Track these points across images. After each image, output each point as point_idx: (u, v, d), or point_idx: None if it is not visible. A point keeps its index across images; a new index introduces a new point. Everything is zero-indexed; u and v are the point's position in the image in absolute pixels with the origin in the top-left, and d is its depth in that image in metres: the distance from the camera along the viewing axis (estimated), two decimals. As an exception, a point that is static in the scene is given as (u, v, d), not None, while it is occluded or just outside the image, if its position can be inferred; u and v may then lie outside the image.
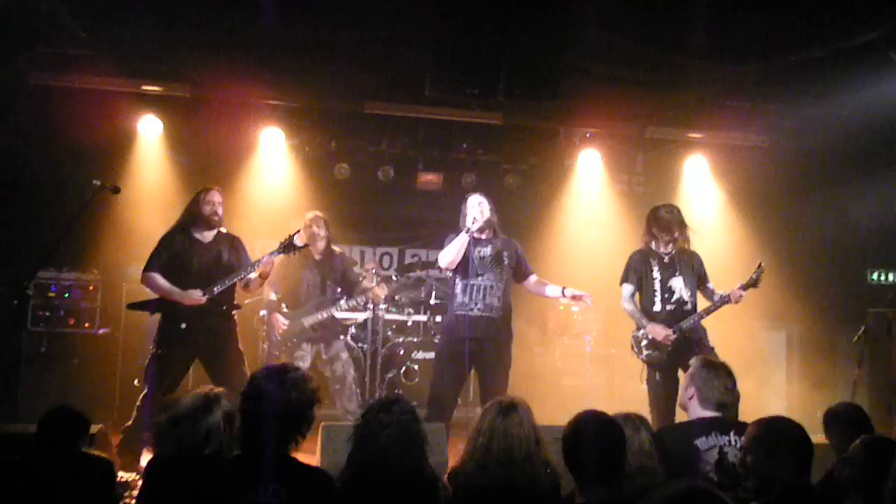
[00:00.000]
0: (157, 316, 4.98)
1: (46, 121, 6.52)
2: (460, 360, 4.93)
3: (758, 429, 2.75)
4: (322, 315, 5.70)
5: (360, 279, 6.15)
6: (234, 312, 5.09)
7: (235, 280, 4.98)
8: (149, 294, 5.01)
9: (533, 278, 5.20)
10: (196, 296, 4.85)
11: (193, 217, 5.04)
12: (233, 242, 5.18)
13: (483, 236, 4.97)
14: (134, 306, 5.08)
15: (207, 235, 5.07)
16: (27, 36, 5.72)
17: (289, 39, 5.64)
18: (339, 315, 5.88)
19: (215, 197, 5.06)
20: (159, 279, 4.89)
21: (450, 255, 4.87)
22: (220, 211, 5.06)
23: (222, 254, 5.07)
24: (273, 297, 5.82)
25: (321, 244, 5.76)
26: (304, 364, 5.60)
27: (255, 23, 5.28)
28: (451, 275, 5.06)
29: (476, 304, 4.88)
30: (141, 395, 4.86)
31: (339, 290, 5.93)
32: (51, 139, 6.61)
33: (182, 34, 5.64)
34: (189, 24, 5.49)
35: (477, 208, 4.93)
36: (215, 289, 4.89)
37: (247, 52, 5.87)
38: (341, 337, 6.00)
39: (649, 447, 2.97)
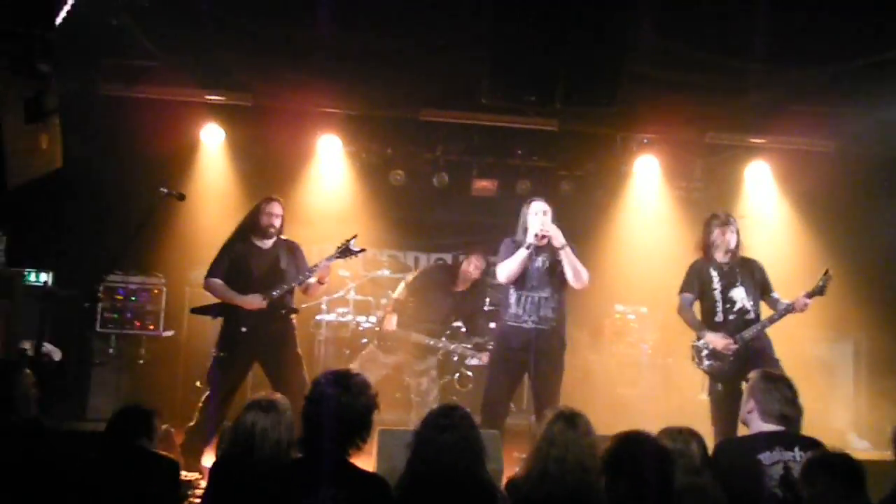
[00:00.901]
0: (219, 320, 5.12)
1: (115, 130, 6.76)
2: (513, 368, 4.95)
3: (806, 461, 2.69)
4: (429, 342, 5.77)
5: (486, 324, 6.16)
6: (292, 316, 5.19)
7: (294, 285, 5.10)
8: (211, 299, 5.15)
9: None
10: (256, 300, 4.97)
11: (253, 225, 5.17)
12: (291, 248, 5.29)
13: (542, 244, 4.80)
14: (197, 311, 5.24)
15: (267, 242, 5.20)
16: (98, 48, 5.94)
17: (345, 47, 5.73)
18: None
19: (275, 209, 5.16)
20: (220, 285, 5.05)
21: (509, 269, 4.79)
22: (276, 223, 5.16)
23: (280, 260, 5.18)
24: (392, 325, 5.82)
25: (473, 277, 5.78)
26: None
27: (312, 31, 5.38)
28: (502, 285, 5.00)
29: (530, 316, 4.84)
30: (203, 397, 5.00)
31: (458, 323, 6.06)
32: (119, 148, 6.86)
33: (243, 45, 5.78)
34: (250, 35, 5.63)
35: (539, 218, 4.77)
36: (274, 293, 5.00)
37: (305, 61, 5.99)
38: (435, 357, 6.05)
39: (700, 463, 2.91)
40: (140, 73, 6.42)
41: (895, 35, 5.08)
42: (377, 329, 6.04)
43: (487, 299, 6.62)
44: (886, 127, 6.41)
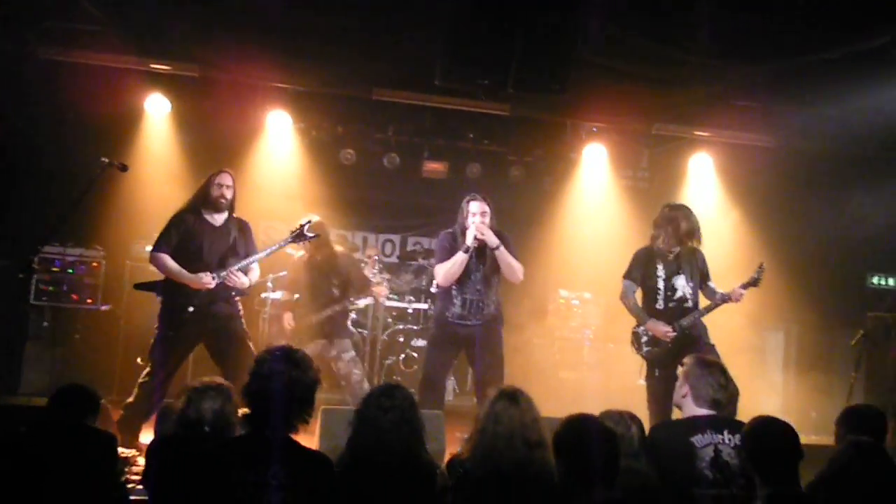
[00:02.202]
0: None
1: (55, 96, 6.51)
2: (452, 350, 5.09)
3: (748, 429, 2.80)
4: (325, 313, 5.80)
5: (365, 279, 6.24)
6: (238, 298, 5.09)
7: (245, 265, 4.98)
8: (154, 274, 5.00)
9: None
10: (206, 280, 4.83)
11: (204, 198, 5.01)
12: (242, 226, 5.15)
13: (480, 246, 4.88)
14: (141, 286, 5.05)
15: (218, 218, 5.04)
16: (37, 10, 5.71)
17: (298, 22, 5.63)
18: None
19: (225, 180, 5.02)
20: (169, 261, 4.86)
21: (449, 272, 4.87)
22: (227, 195, 5.02)
23: (231, 237, 5.04)
24: (295, 297, 6.01)
25: (326, 249, 5.85)
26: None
27: (265, 6, 5.27)
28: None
29: (475, 315, 4.96)
30: (143, 373, 4.88)
31: (340, 288, 6.01)
32: (59, 115, 6.61)
33: (192, 13, 5.63)
34: (198, 3, 5.48)
35: (478, 220, 4.84)
36: (223, 273, 4.89)
37: (256, 34, 5.87)
38: (346, 337, 6.06)
39: (638, 447, 3.01)
40: (81, 38, 6.18)
41: (834, 35, 5.24)
42: (283, 336, 6.07)
43: (368, 265, 6.68)
44: (825, 123, 6.63)
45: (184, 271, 4.83)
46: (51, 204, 5.90)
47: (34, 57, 6.30)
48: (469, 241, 4.81)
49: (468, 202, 4.95)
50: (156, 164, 6.94)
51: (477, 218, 4.86)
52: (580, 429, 2.67)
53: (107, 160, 4.81)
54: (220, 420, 2.92)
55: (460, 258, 4.83)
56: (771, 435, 2.76)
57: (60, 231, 5.82)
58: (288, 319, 5.94)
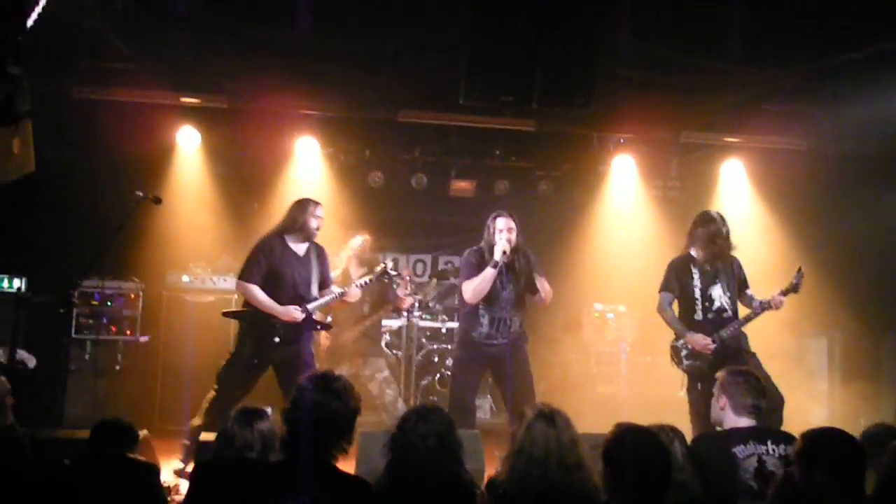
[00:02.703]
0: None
1: (90, 134, 6.68)
2: (479, 369, 5.12)
3: (801, 441, 2.70)
4: (360, 329, 5.89)
5: (395, 287, 6.29)
6: (319, 330, 5.26)
7: (330, 300, 5.03)
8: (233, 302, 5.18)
9: (539, 293, 5.07)
10: (296, 315, 4.85)
11: (295, 226, 4.98)
12: (321, 253, 5.15)
13: (509, 262, 4.89)
14: (229, 315, 5.17)
15: (301, 247, 5.03)
16: (71, 51, 5.87)
17: (322, 49, 5.70)
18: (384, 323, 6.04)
19: (321, 212, 5.07)
20: (259, 292, 4.85)
21: (478, 288, 4.84)
22: (322, 226, 5.09)
23: (314, 266, 5.04)
24: (325, 318, 6.03)
25: (364, 268, 5.96)
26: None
27: (289, 33, 5.35)
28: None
29: (502, 334, 4.97)
30: (209, 397, 4.86)
31: (371, 307, 6.15)
32: (94, 152, 6.78)
33: (219, 46, 5.74)
34: (226, 37, 5.59)
35: (505, 235, 4.84)
36: (311, 307, 4.92)
37: (282, 63, 5.95)
38: (380, 356, 6.09)
39: (682, 460, 2.96)
40: (113, 76, 6.34)
41: (859, 35, 5.16)
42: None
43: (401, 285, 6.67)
44: (857, 124, 6.50)
45: (275, 304, 4.83)
46: (88, 238, 6.02)
47: (69, 96, 6.48)
48: (497, 255, 4.79)
49: (494, 219, 4.95)
50: (188, 195, 7.06)
51: (504, 234, 4.85)
52: (631, 440, 2.61)
53: (141, 193, 4.90)
54: (266, 445, 2.94)
55: (489, 274, 4.81)
56: (834, 446, 2.66)
57: (98, 265, 5.92)
58: (325, 338, 5.95)
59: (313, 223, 4.98)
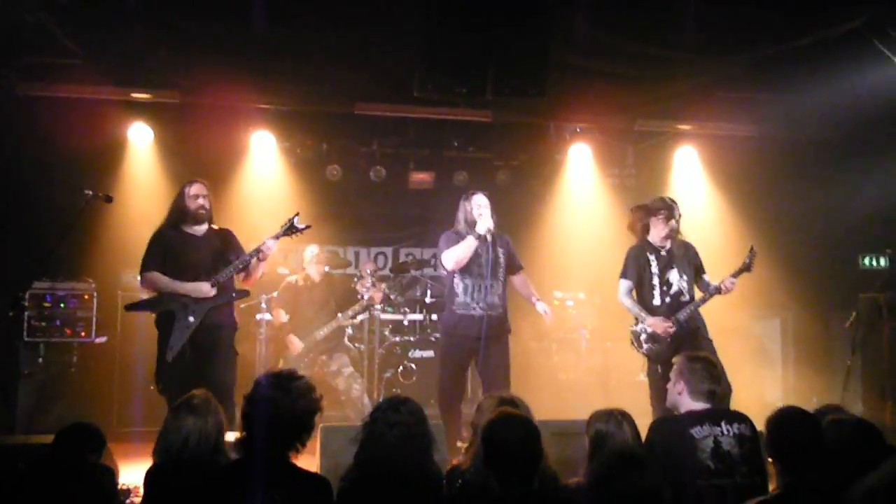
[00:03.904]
0: (152, 318, 4.83)
1: (37, 131, 6.48)
2: (464, 355, 5.07)
3: (772, 418, 2.80)
4: (326, 330, 5.96)
5: (357, 292, 6.40)
6: (234, 315, 5.00)
7: (239, 266, 4.83)
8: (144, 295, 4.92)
9: (521, 275, 5.33)
10: (205, 287, 4.70)
11: (181, 213, 4.90)
12: (226, 235, 5.05)
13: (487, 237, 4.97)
14: (132, 307, 4.96)
15: (199, 229, 4.93)
16: (15, 46, 5.69)
17: (276, 42, 5.63)
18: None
19: (200, 189, 4.92)
20: (160, 276, 4.73)
21: (458, 256, 4.92)
22: (206, 204, 4.92)
23: (217, 246, 4.93)
24: (284, 318, 6.02)
25: (317, 278, 6.14)
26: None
27: (242, 27, 5.27)
28: (446, 273, 5.12)
29: (479, 303, 4.97)
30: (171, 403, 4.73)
31: (337, 305, 6.24)
32: (42, 150, 6.59)
33: (169, 40, 5.62)
34: (176, 30, 5.47)
35: (486, 211, 4.94)
36: (220, 277, 4.75)
37: (234, 57, 5.85)
38: (344, 352, 6.10)
39: (633, 442, 3.02)
40: (60, 72, 6.16)
41: (808, 23, 5.28)
42: (283, 358, 6.14)
43: (363, 279, 6.78)
44: (806, 109, 6.64)
45: (180, 283, 4.71)
46: (38, 239, 5.88)
47: (14, 93, 6.29)
48: (482, 229, 4.87)
49: (469, 197, 5.05)
50: (142, 192, 6.91)
51: (483, 211, 4.94)
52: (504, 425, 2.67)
53: (90, 192, 4.80)
54: (203, 441, 2.89)
55: (471, 242, 4.88)
56: (793, 425, 2.76)
57: (49, 266, 5.81)
58: (294, 343, 5.94)
59: (191, 204, 4.88)
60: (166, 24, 5.37)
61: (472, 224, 4.94)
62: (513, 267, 5.22)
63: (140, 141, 7.13)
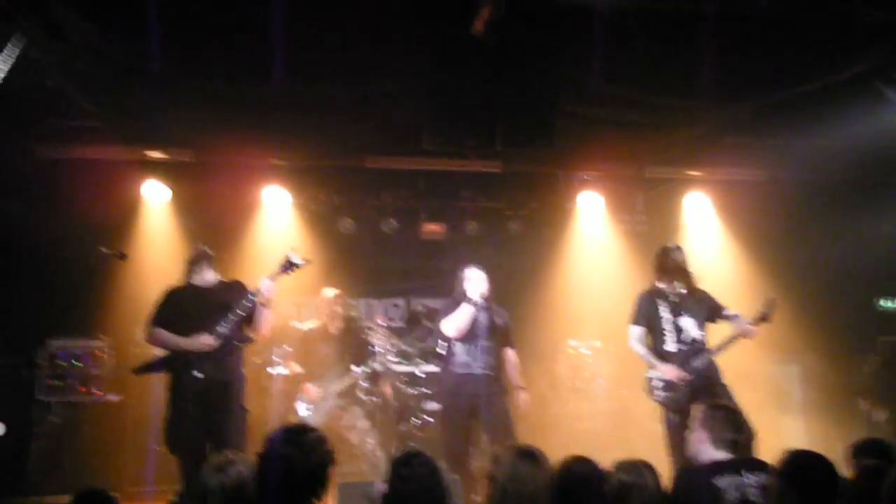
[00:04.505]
0: (166, 377, 4.81)
1: (54, 192, 6.61)
2: (465, 413, 5.23)
3: (781, 463, 2.74)
4: (340, 385, 5.90)
5: (369, 343, 6.33)
6: (242, 369, 4.95)
7: (241, 314, 4.74)
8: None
9: (511, 353, 5.55)
10: (206, 340, 4.64)
11: (189, 266, 4.94)
12: (233, 285, 5.02)
13: (483, 304, 5.27)
14: (140, 370, 4.94)
15: (208, 280, 4.94)
16: (34, 110, 5.84)
17: (286, 100, 5.74)
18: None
19: (199, 244, 5.05)
20: (163, 333, 4.73)
21: (457, 323, 5.21)
22: (208, 249, 4.99)
23: (223, 297, 4.86)
24: (298, 370, 6.02)
25: (339, 322, 6.08)
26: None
27: (253, 86, 5.38)
28: (445, 339, 5.40)
29: (478, 363, 5.21)
30: (180, 472, 4.63)
31: (353, 359, 6.13)
32: (59, 209, 6.69)
33: (183, 100, 5.75)
34: (189, 90, 5.60)
35: (480, 282, 5.25)
36: (221, 329, 4.67)
37: (246, 115, 5.96)
38: (359, 405, 6.05)
39: (655, 494, 2.95)
40: (78, 133, 6.32)
41: (812, 67, 5.33)
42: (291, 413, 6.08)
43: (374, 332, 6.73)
44: (815, 153, 6.67)
45: (180, 338, 4.68)
46: (53, 298, 5.93)
47: (33, 156, 6.43)
48: (474, 295, 5.16)
49: (464, 269, 5.37)
50: (156, 250, 6.99)
51: (475, 282, 5.25)
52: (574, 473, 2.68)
53: (105, 249, 4.85)
54: (231, 499, 2.84)
55: (469, 309, 5.17)
56: (809, 468, 2.70)
57: (64, 324, 5.84)
58: (310, 389, 5.92)
59: (193, 249, 5.02)
60: (180, 85, 5.50)
61: (465, 295, 5.26)
62: (505, 341, 5.49)
63: (154, 198, 7.24)
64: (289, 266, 4.84)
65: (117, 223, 6.94)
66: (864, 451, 3.41)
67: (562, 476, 2.70)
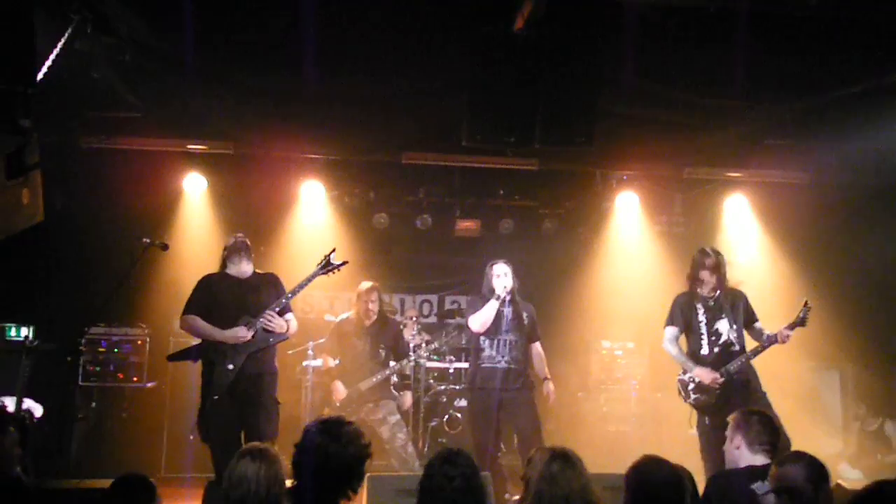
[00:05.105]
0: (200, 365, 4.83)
1: (97, 182, 6.77)
2: (492, 409, 5.21)
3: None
4: (375, 379, 5.87)
5: (409, 347, 6.40)
6: (275, 361, 4.96)
7: (276, 310, 4.78)
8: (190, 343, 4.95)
9: (538, 346, 5.52)
10: (240, 332, 4.67)
11: (225, 257, 4.94)
12: (270, 280, 5.03)
13: (507, 298, 5.27)
14: (174, 357, 5.02)
15: (244, 271, 4.93)
16: (80, 102, 5.96)
17: (326, 93, 5.78)
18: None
19: (238, 234, 5.02)
20: (198, 321, 4.73)
21: (483, 319, 5.21)
22: (246, 240, 4.95)
23: (260, 290, 4.90)
24: (332, 363, 6.05)
25: (374, 315, 6.00)
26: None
27: (293, 79, 5.43)
28: (473, 334, 5.38)
29: (503, 356, 5.23)
30: (213, 461, 4.65)
31: (387, 353, 6.07)
32: (101, 199, 6.86)
33: (224, 93, 5.83)
34: (231, 84, 5.68)
35: (505, 278, 5.25)
36: (258, 322, 4.71)
37: (286, 108, 6.03)
38: (391, 399, 6.06)
39: (690, 500, 2.92)
40: (121, 125, 6.44)
41: (860, 70, 5.22)
42: (328, 405, 6.08)
43: (408, 327, 6.90)
44: (857, 158, 6.54)
45: (217, 329, 4.69)
46: (95, 286, 6.05)
47: (77, 146, 6.57)
48: (500, 291, 5.18)
49: (493, 264, 5.35)
50: (195, 240, 7.10)
51: (501, 278, 5.23)
52: (650, 472, 2.67)
53: (147, 240, 4.92)
54: (262, 488, 2.87)
55: (492, 304, 5.19)
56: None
57: (106, 312, 5.96)
58: (338, 389, 5.93)
59: (230, 240, 4.96)
60: (222, 78, 5.57)
61: (492, 290, 5.25)
62: (532, 335, 5.46)
63: (195, 191, 7.35)
64: (328, 266, 4.95)
65: (158, 214, 7.08)
66: None
67: (636, 475, 2.68)
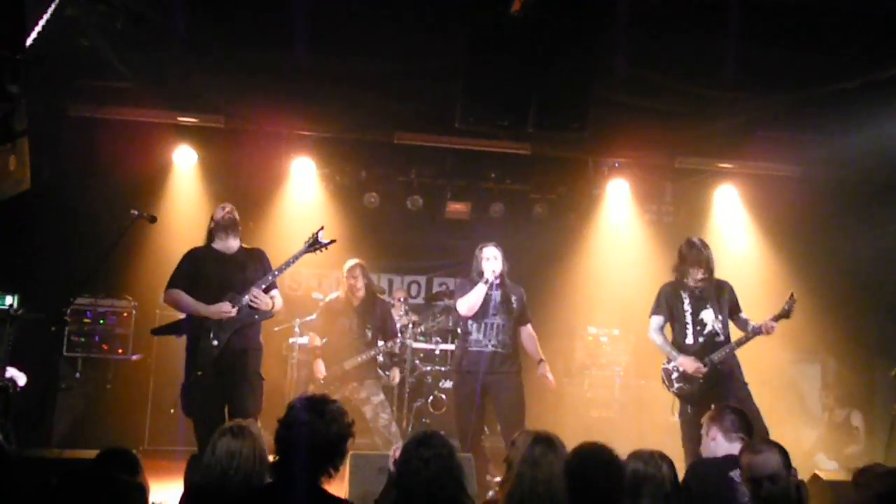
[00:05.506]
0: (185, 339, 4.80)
1: (86, 151, 6.69)
2: (476, 390, 5.21)
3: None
4: (360, 359, 5.88)
5: (397, 327, 6.38)
6: (260, 337, 4.93)
7: (262, 286, 4.75)
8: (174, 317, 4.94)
9: (528, 328, 5.50)
10: (225, 308, 4.63)
11: (211, 230, 4.88)
12: (256, 255, 4.98)
13: (496, 282, 5.26)
14: (159, 331, 5.00)
15: (231, 247, 4.87)
16: (70, 70, 5.89)
17: (320, 71, 5.75)
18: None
19: (226, 206, 4.92)
20: (183, 295, 4.69)
21: (471, 302, 5.21)
22: (234, 215, 4.87)
23: (246, 267, 4.85)
24: (319, 342, 6.02)
25: (360, 293, 5.99)
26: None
27: (287, 55, 5.39)
28: (461, 318, 5.38)
29: (490, 340, 5.23)
30: (196, 435, 4.65)
31: (375, 333, 6.07)
32: (90, 169, 6.79)
33: (217, 67, 5.77)
34: (223, 57, 5.63)
35: (494, 262, 5.23)
36: (243, 298, 4.69)
37: (279, 84, 5.99)
38: (376, 380, 6.07)
39: (670, 486, 2.95)
40: (111, 95, 6.38)
41: (852, 64, 5.23)
42: (313, 382, 6.07)
43: (395, 307, 6.92)
44: (849, 151, 6.55)
45: (200, 304, 4.66)
46: (82, 257, 6.01)
47: (66, 114, 6.49)
48: (488, 274, 5.17)
49: (482, 248, 5.33)
50: (184, 214, 7.04)
51: (491, 262, 5.22)
52: (589, 458, 2.69)
53: (136, 212, 4.88)
54: (243, 465, 2.88)
55: (481, 289, 5.17)
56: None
57: (92, 282, 5.92)
58: (319, 367, 5.93)
59: (218, 214, 4.86)
60: (215, 52, 5.52)
61: (481, 273, 5.23)
62: (522, 318, 5.43)
63: (184, 164, 7.29)
64: (316, 245, 4.92)
65: (147, 185, 7.03)
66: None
67: (577, 461, 2.70)
